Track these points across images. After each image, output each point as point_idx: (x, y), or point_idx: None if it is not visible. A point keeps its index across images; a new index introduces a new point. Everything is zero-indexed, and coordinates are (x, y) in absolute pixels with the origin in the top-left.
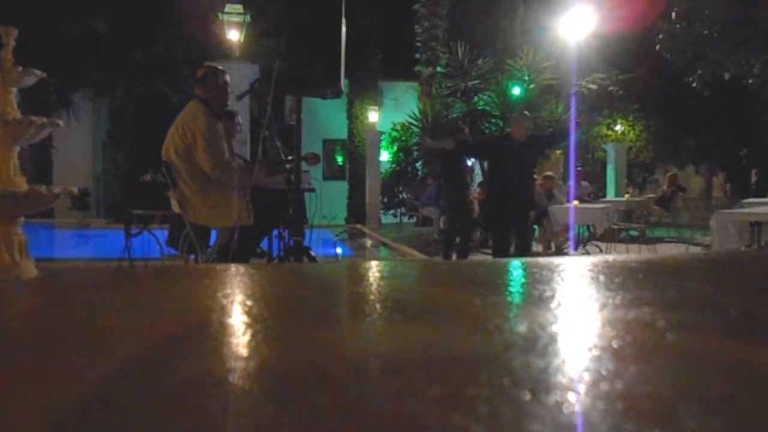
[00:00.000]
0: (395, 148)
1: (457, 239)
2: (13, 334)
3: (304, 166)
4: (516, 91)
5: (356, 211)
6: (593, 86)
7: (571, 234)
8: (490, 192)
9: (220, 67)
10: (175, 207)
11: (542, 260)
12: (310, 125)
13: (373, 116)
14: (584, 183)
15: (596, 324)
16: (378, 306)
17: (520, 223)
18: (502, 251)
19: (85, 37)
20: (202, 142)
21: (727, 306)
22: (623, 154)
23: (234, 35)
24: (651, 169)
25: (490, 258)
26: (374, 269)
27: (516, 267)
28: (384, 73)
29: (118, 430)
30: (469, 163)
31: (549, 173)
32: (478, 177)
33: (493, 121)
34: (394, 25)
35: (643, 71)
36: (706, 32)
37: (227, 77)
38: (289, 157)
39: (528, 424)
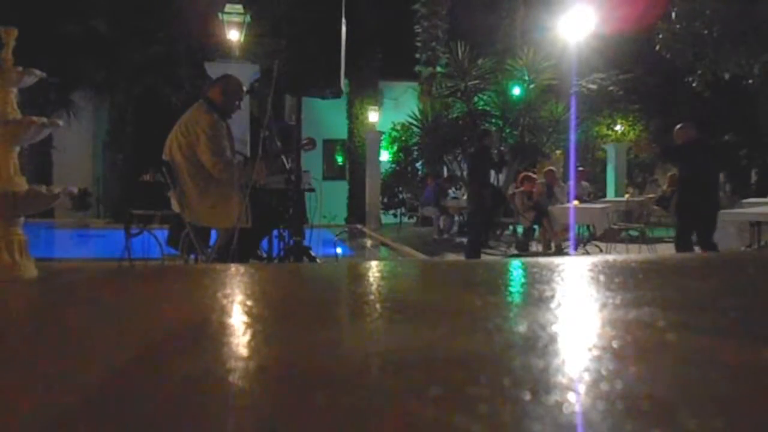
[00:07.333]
0: (395, 148)
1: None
2: (13, 334)
3: (304, 166)
4: (516, 91)
5: (356, 211)
6: (593, 86)
7: (571, 234)
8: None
9: (242, 83)
10: (175, 207)
11: (542, 260)
12: (310, 125)
13: (373, 116)
14: (584, 183)
15: (596, 324)
16: (378, 306)
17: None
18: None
19: (85, 37)
20: (204, 139)
21: (727, 306)
22: (623, 154)
23: (234, 35)
24: (651, 169)
25: (490, 258)
26: (374, 269)
27: (516, 267)
28: (384, 73)
29: (119, 429)
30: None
31: (551, 167)
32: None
33: (493, 121)
34: (394, 25)
35: (643, 71)
36: (706, 32)
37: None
38: (288, 151)
39: (528, 424)
